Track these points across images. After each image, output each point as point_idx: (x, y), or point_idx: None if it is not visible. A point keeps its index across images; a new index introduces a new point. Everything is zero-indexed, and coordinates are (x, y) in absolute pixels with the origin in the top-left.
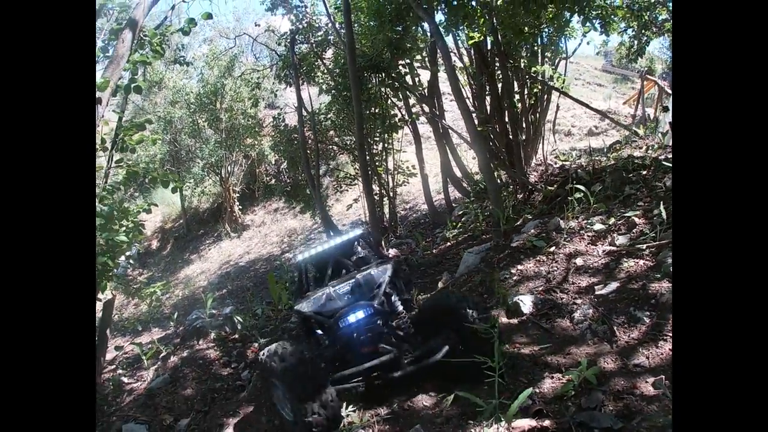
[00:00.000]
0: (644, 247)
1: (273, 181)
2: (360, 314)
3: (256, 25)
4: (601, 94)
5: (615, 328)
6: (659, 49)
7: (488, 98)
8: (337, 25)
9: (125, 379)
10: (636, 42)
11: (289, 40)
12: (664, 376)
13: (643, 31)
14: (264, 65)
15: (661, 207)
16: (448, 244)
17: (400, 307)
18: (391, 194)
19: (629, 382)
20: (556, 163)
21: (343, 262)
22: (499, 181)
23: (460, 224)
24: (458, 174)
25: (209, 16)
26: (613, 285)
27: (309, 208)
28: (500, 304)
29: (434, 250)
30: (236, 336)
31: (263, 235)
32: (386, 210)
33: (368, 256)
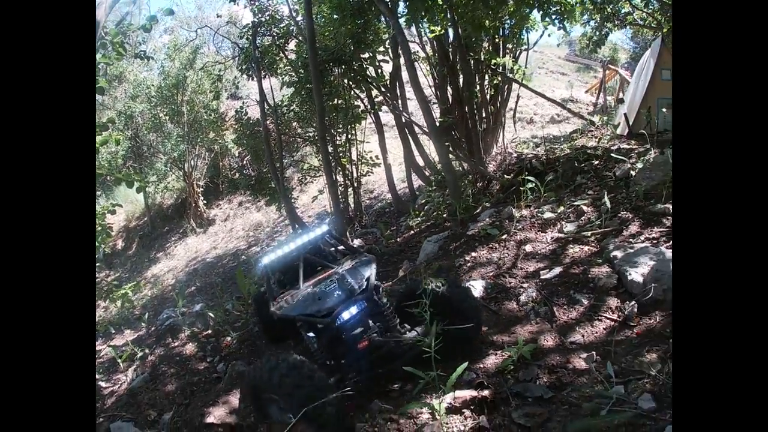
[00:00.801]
0: (589, 234)
1: (237, 174)
2: (353, 310)
3: (217, 16)
4: (563, 83)
5: (555, 309)
6: (623, 39)
7: (449, 89)
8: (298, 18)
9: (102, 383)
10: (597, 33)
11: (251, 33)
12: (595, 352)
13: (605, 23)
14: (226, 56)
15: (606, 196)
16: (412, 232)
17: (385, 299)
18: (356, 184)
19: (564, 357)
20: (514, 153)
21: (314, 261)
22: (459, 170)
23: (422, 212)
24: (421, 163)
25: (171, 12)
26: (557, 270)
27: (274, 201)
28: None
29: (398, 239)
30: (209, 332)
31: (229, 230)
32: (351, 200)
33: (335, 252)
